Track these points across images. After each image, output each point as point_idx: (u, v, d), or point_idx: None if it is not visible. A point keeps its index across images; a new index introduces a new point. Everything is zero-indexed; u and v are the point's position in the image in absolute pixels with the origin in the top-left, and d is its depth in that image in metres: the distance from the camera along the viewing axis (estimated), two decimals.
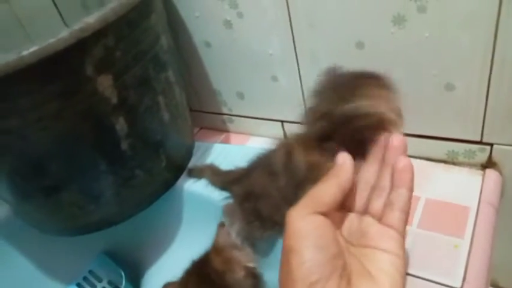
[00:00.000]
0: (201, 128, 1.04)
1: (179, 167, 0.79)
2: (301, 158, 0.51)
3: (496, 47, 0.62)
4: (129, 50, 0.60)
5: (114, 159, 0.65)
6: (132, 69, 0.61)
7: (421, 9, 0.64)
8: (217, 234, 0.58)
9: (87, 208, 0.69)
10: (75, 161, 0.62)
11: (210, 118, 1.02)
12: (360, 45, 0.72)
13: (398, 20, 0.66)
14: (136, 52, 0.61)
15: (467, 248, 0.63)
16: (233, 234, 0.56)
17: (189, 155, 0.83)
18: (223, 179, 0.70)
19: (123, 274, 0.83)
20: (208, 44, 0.88)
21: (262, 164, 0.59)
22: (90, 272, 0.91)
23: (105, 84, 0.58)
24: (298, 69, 0.82)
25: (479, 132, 0.72)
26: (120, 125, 0.63)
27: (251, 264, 0.55)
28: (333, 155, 0.50)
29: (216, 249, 0.57)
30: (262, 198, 0.55)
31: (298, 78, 0.83)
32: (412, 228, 0.68)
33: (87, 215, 0.70)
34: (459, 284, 0.59)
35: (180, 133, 0.77)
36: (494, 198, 0.71)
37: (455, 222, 0.67)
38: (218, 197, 0.74)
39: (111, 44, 0.56)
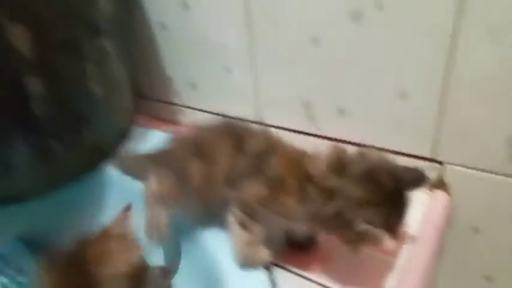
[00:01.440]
0: (151, 118, 0.98)
1: (107, 148, 0.72)
2: None
3: (457, 58, 0.59)
4: (55, 3, 0.54)
5: (25, 123, 0.58)
6: (58, 27, 0.55)
7: (379, 7, 0.60)
8: (115, 219, 0.51)
9: None
10: None
11: (161, 108, 0.96)
12: (315, 41, 0.68)
13: (356, 16, 0.62)
14: (65, 8, 0.56)
15: (402, 267, 0.58)
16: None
17: (122, 136, 0.76)
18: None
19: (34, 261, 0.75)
20: (164, 26, 0.83)
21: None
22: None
23: (21, 36, 0.52)
24: (253, 63, 0.77)
25: (431, 148, 0.67)
26: (36, 86, 0.56)
27: (137, 261, 0.46)
28: None
29: (103, 235, 0.48)
30: None
31: (252, 72, 0.77)
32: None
33: None
34: None
35: (113, 113, 0.71)
36: (439, 220, 0.66)
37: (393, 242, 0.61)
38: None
39: None
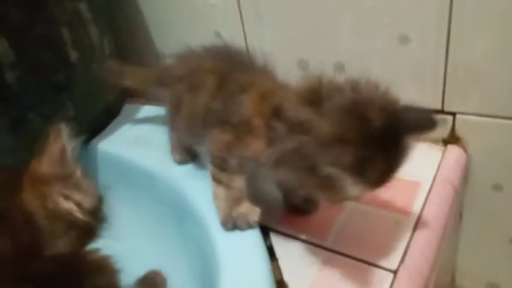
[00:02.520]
0: (144, 99, 0.94)
1: (93, 123, 0.68)
2: None
3: None
4: None
5: None
6: None
7: None
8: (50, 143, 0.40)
9: None
10: None
11: None
12: None
13: None
14: None
15: (411, 227, 0.51)
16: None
17: (110, 113, 0.72)
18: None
19: None
20: None
21: None
22: None
23: None
24: (242, 24, 0.72)
25: (440, 98, 0.60)
26: (2, 48, 0.52)
27: (85, 204, 0.39)
28: None
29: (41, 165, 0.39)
30: None
31: (242, 34, 0.72)
32: (348, 203, 0.56)
33: None
34: (394, 267, 0.47)
35: (95, 82, 0.67)
36: (454, 175, 0.59)
37: (402, 199, 0.55)
38: (139, 159, 0.64)
39: None
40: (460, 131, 0.62)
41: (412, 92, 0.61)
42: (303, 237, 0.53)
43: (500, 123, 0.58)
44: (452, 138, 0.63)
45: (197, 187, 0.54)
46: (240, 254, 0.45)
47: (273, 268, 0.48)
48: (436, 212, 0.53)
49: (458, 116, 0.61)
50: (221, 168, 0.50)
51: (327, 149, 0.38)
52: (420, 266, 0.47)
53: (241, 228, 0.50)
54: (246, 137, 0.46)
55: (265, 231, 0.53)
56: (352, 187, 0.39)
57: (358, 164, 0.38)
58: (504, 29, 0.52)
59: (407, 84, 0.61)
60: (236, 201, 0.50)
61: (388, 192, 0.55)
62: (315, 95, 0.41)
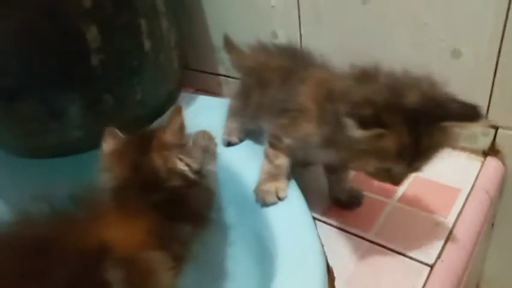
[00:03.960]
0: (197, 90, 1.00)
1: (156, 108, 0.74)
2: None
3: (510, 12, 0.56)
4: None
5: (81, 72, 0.61)
6: None
7: None
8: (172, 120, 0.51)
9: (48, 125, 0.64)
10: (39, 62, 0.58)
11: (206, 79, 0.97)
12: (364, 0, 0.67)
13: None
14: None
15: (449, 228, 0.55)
16: None
17: (171, 100, 0.78)
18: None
19: None
20: None
21: None
22: None
23: None
24: (300, 26, 0.76)
25: (485, 111, 0.64)
26: (92, 35, 0.59)
27: (193, 166, 0.51)
28: None
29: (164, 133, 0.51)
30: None
31: (298, 35, 0.77)
32: (391, 202, 0.60)
33: (47, 134, 0.65)
34: (432, 261, 0.51)
35: (161, 70, 0.73)
36: (491, 185, 0.63)
37: (442, 202, 0.59)
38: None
39: None
40: (500, 144, 0.65)
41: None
42: (347, 228, 0.57)
43: None
44: (492, 151, 0.66)
45: (252, 167, 0.59)
46: (293, 231, 0.51)
47: None
48: (472, 217, 0.57)
49: (500, 130, 0.64)
50: (272, 145, 0.56)
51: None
52: (455, 264, 0.51)
53: (269, 202, 0.54)
54: (299, 120, 0.52)
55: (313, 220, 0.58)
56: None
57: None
58: None
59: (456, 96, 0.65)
60: (273, 177, 0.56)
61: (429, 196, 0.60)
62: (366, 77, 0.47)
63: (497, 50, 0.59)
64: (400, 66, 0.67)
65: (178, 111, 0.52)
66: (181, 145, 0.51)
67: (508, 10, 0.56)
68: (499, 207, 0.69)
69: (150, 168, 0.49)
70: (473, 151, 0.68)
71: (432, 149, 0.45)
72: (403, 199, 0.61)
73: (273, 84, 0.57)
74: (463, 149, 0.68)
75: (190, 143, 0.54)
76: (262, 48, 0.64)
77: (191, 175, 0.51)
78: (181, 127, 0.52)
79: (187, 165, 0.51)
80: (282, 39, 0.79)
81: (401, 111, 0.43)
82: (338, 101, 0.46)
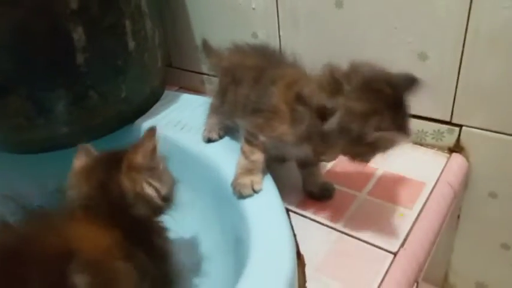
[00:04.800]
0: (180, 88, 1.03)
1: (140, 105, 0.77)
2: None
3: (471, 16, 0.60)
4: None
5: (67, 70, 0.64)
6: None
7: None
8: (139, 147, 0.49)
9: (35, 121, 0.67)
10: (26, 59, 0.61)
11: (189, 77, 1.01)
12: (338, 4, 0.70)
13: None
14: None
15: (413, 219, 0.59)
16: None
17: (154, 97, 0.81)
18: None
19: None
20: None
21: None
22: None
23: None
24: (279, 28, 0.80)
25: (450, 111, 0.68)
26: (78, 34, 0.61)
27: (162, 192, 0.50)
28: None
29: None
30: None
31: (277, 37, 0.81)
32: (361, 195, 0.64)
33: (34, 129, 0.68)
34: (395, 249, 0.55)
35: (145, 69, 0.76)
36: (454, 180, 0.67)
37: (408, 195, 0.63)
38: (180, 139, 0.72)
39: None
40: (464, 141, 0.70)
41: (425, 103, 0.69)
42: (319, 219, 0.61)
43: (501, 138, 0.66)
44: (456, 147, 0.71)
45: (230, 162, 0.63)
46: (266, 220, 0.54)
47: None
48: (435, 209, 0.62)
49: (464, 128, 0.69)
50: (248, 142, 0.59)
51: (369, 121, 0.49)
52: (417, 252, 0.56)
53: (245, 194, 0.57)
54: (274, 120, 0.56)
55: (286, 212, 0.61)
56: (398, 137, 0.50)
57: (393, 123, 0.49)
58: None
59: (422, 96, 0.69)
60: (249, 171, 0.59)
61: (397, 189, 0.65)
62: (334, 82, 0.52)
63: (460, 54, 0.63)
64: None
65: (152, 133, 0.50)
66: (151, 168, 0.50)
67: (468, 19, 0.60)
68: (464, 200, 0.74)
69: (118, 190, 0.48)
70: (439, 148, 0.72)
71: (408, 114, 0.52)
72: (372, 192, 0.65)
73: (247, 83, 0.60)
74: (430, 145, 0.73)
75: (161, 167, 0.51)
76: (238, 49, 0.67)
77: (158, 201, 0.50)
78: (154, 149, 0.50)
79: (156, 189, 0.49)
80: (262, 40, 0.82)
81: (389, 102, 0.50)
82: (307, 104, 0.52)
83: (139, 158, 0.49)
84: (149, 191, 0.49)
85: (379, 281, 0.51)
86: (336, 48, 0.74)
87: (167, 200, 0.51)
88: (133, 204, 0.48)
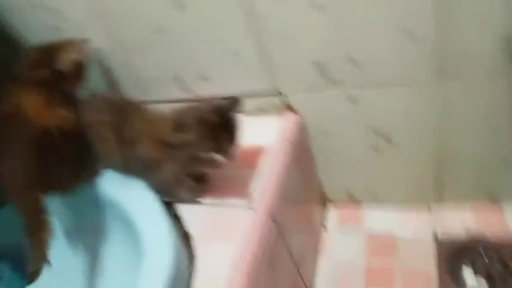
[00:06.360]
0: None
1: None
2: None
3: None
4: None
5: None
6: None
7: None
8: None
9: None
10: None
11: None
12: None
13: None
14: None
15: (261, 175, 0.80)
16: None
17: None
18: None
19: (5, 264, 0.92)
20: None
21: None
22: None
23: None
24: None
25: (275, 86, 0.88)
26: None
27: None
28: None
29: None
30: None
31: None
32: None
33: None
34: (252, 205, 0.75)
35: None
36: (289, 134, 0.88)
37: (252, 158, 0.83)
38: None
39: None
40: (292, 102, 0.90)
41: (258, 85, 0.89)
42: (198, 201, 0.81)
43: (312, 96, 0.87)
44: (286, 108, 0.91)
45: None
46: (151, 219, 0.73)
47: (179, 226, 0.76)
48: (275, 163, 0.82)
49: (290, 96, 0.89)
50: None
51: (202, 147, 0.69)
52: (268, 201, 0.76)
53: None
54: (162, 164, 0.75)
55: (170, 204, 0.79)
56: (218, 159, 0.70)
57: (217, 146, 0.69)
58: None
59: (253, 82, 0.88)
60: None
61: (242, 156, 0.83)
62: (179, 123, 0.70)
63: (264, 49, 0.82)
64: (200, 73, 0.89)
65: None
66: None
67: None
68: (311, 139, 0.96)
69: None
70: (275, 112, 0.92)
71: (238, 135, 0.72)
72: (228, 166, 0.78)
73: (109, 142, 0.76)
74: (271, 113, 0.93)
75: None
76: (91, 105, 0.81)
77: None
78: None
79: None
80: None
81: (218, 128, 0.70)
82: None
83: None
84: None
85: (248, 234, 0.71)
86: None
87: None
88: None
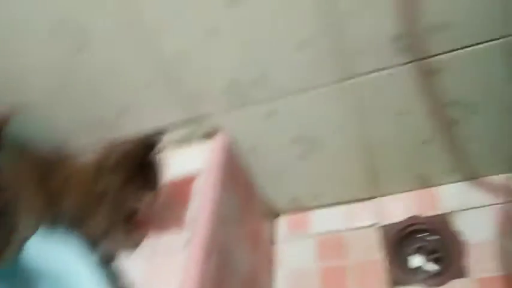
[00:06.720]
0: None
1: None
2: None
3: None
4: None
5: None
6: None
7: None
8: None
9: None
10: None
11: None
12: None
13: None
14: None
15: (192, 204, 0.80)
16: None
17: None
18: None
19: None
20: None
21: None
22: None
23: None
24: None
25: (196, 112, 0.89)
26: None
27: None
28: None
29: None
30: None
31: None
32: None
33: None
34: (188, 236, 0.75)
35: None
36: (220, 157, 0.89)
37: (183, 188, 0.83)
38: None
39: None
40: (217, 125, 0.92)
41: (177, 112, 0.89)
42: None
43: (235, 115, 0.89)
44: (213, 132, 0.92)
45: None
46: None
47: (115, 281, 0.74)
48: (207, 189, 0.82)
49: (212, 117, 0.90)
50: None
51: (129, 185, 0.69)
52: (205, 230, 0.76)
53: None
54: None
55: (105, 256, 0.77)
56: (147, 197, 0.71)
57: (143, 182, 0.70)
58: None
59: (170, 111, 0.89)
60: None
61: (173, 188, 0.83)
62: (102, 169, 0.70)
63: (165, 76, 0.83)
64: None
65: None
66: None
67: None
68: (249, 160, 0.98)
69: None
70: (204, 137, 0.93)
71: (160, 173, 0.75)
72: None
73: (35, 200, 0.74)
74: (198, 139, 0.94)
75: None
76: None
77: None
78: None
79: None
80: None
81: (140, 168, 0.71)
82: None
83: None
84: None
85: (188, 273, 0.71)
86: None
87: None
88: None
